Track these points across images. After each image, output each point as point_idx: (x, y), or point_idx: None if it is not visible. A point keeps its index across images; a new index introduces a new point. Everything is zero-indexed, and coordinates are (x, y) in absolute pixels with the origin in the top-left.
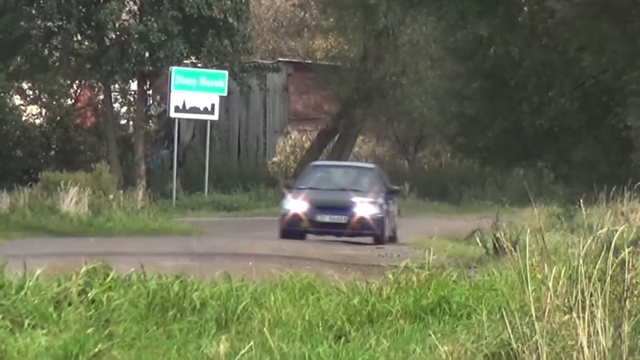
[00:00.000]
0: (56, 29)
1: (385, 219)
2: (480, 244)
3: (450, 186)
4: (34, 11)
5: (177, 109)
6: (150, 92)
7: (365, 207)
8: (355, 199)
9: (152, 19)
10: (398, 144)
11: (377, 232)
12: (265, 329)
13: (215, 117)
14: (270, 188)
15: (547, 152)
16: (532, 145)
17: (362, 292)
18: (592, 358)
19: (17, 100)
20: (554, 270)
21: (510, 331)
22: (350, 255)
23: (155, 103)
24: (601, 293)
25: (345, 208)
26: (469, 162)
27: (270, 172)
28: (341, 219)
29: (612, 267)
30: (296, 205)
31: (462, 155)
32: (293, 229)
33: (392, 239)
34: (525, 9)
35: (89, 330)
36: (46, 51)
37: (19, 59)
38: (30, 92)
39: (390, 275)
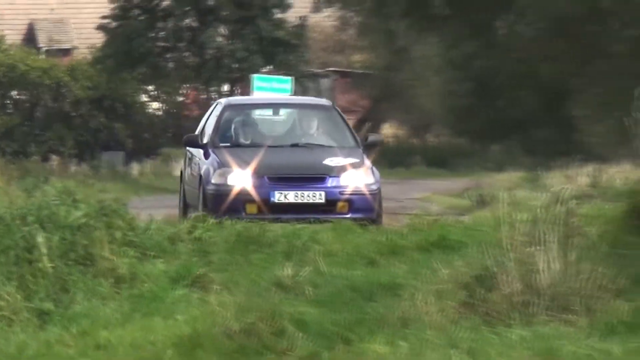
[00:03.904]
0: (171, 47)
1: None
2: (469, 198)
3: (449, 157)
4: (155, 35)
5: None
6: (237, 92)
7: (352, 176)
8: (331, 161)
9: (238, 41)
10: (412, 128)
11: (373, 215)
12: (318, 258)
13: None
14: None
15: (518, 133)
16: (508, 129)
17: (387, 232)
18: (548, 278)
19: (144, 98)
20: (520, 216)
21: (490, 259)
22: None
23: None
24: (554, 232)
25: (318, 178)
26: (461, 140)
27: None
28: (315, 197)
29: (562, 214)
30: (237, 177)
31: (457, 135)
32: (235, 218)
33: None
34: (500, 33)
35: (194, 259)
36: (163, 63)
37: (145, 69)
38: (154, 93)
39: (407, 220)
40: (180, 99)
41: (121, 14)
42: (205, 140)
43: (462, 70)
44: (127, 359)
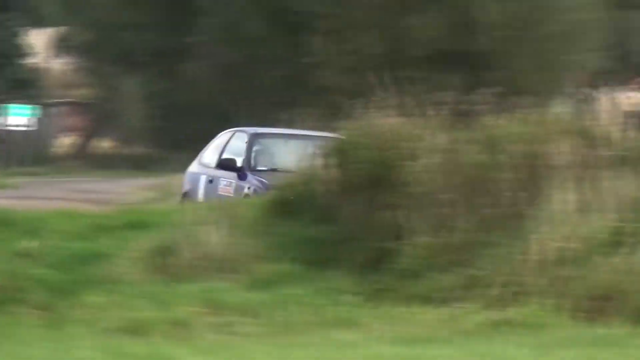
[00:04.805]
0: None
1: None
2: (161, 192)
3: (148, 162)
4: None
5: (11, 125)
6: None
7: None
8: None
9: None
10: (122, 141)
11: None
12: (49, 234)
13: (33, 128)
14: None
15: (197, 145)
16: (189, 142)
17: (100, 216)
18: (217, 248)
19: None
20: (194, 205)
21: (174, 234)
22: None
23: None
24: (223, 215)
25: None
26: (156, 150)
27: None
28: None
29: (229, 202)
30: None
31: (153, 146)
32: None
33: None
34: (185, 74)
35: None
36: None
37: None
38: None
39: (115, 207)
40: None
41: None
42: (238, 164)
43: (156, 101)
44: None
